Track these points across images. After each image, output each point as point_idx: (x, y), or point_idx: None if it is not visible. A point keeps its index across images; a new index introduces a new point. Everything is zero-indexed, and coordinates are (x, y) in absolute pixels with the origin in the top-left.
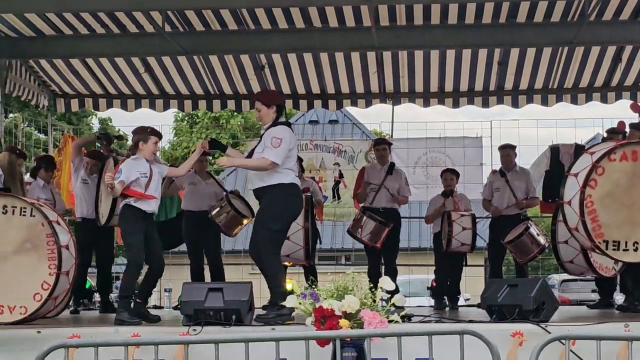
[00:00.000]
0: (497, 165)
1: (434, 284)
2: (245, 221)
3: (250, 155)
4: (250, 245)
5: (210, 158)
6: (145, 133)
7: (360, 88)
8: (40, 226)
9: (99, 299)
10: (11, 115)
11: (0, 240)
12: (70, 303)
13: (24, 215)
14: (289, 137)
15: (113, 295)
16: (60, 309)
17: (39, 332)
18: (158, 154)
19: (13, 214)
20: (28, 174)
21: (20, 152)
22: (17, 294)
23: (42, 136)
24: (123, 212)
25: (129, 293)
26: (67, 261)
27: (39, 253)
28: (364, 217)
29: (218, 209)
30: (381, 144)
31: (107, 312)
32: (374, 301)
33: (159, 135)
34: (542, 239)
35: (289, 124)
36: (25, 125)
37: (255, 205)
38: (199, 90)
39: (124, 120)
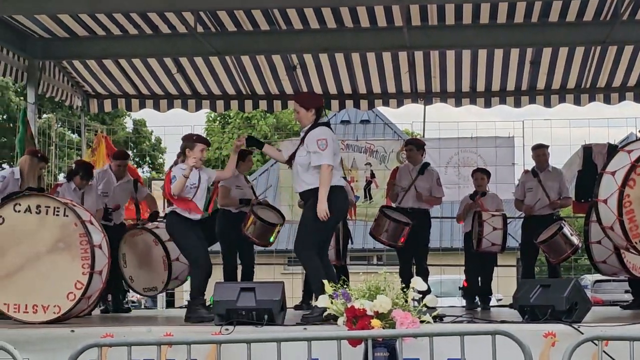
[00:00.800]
0: (529, 165)
1: (466, 284)
2: (277, 228)
3: (291, 159)
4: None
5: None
6: (192, 140)
7: (391, 88)
8: (73, 226)
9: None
10: (45, 115)
11: (34, 240)
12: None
13: (57, 215)
14: (331, 137)
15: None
16: (92, 308)
17: (72, 331)
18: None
19: (47, 213)
20: (62, 175)
21: (42, 155)
22: (51, 294)
23: (75, 137)
24: (171, 220)
25: (200, 294)
26: (100, 260)
27: (72, 253)
28: (382, 217)
29: (248, 223)
30: (408, 144)
31: (118, 311)
32: (406, 301)
33: (206, 143)
34: (575, 239)
35: (328, 124)
36: (59, 126)
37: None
38: (230, 90)
39: (156, 121)
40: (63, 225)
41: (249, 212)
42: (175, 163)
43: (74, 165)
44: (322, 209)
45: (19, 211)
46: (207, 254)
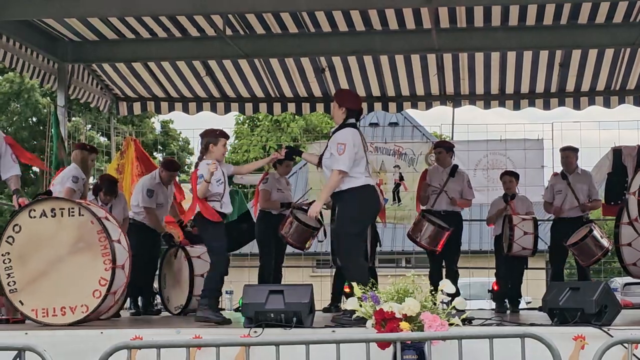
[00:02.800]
0: (559, 168)
1: (495, 288)
2: (314, 232)
3: (319, 162)
4: (332, 251)
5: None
6: (214, 135)
7: (420, 90)
8: (90, 224)
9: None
10: (74, 119)
11: (54, 243)
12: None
13: (72, 215)
14: (353, 140)
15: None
16: (120, 304)
17: (101, 332)
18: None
19: (62, 215)
20: (91, 190)
21: (92, 147)
22: (77, 294)
23: (104, 140)
24: (202, 220)
25: (212, 294)
26: (120, 255)
27: (92, 250)
28: (424, 221)
29: (288, 226)
30: (437, 147)
31: (147, 314)
32: (435, 304)
33: (227, 137)
34: (605, 242)
35: (354, 125)
36: (88, 128)
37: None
38: (259, 93)
39: (185, 123)
40: (80, 224)
41: (288, 214)
42: (200, 159)
43: (98, 181)
44: (315, 210)
45: (34, 217)
46: (227, 258)
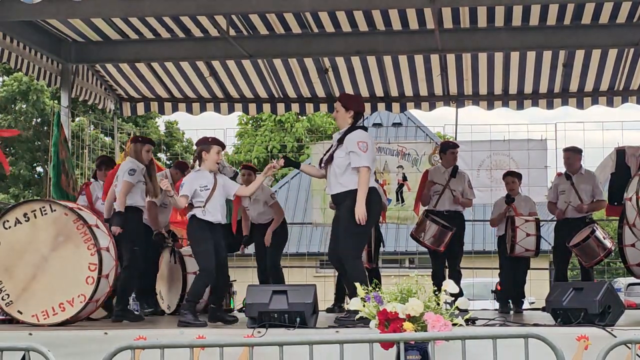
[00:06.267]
0: (562, 168)
1: (499, 288)
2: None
3: (330, 160)
4: (331, 249)
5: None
6: (207, 143)
7: (423, 91)
8: (64, 216)
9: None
10: (77, 119)
11: (34, 245)
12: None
13: (45, 214)
14: (371, 141)
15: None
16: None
17: (105, 333)
18: (223, 158)
19: (35, 217)
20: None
21: (144, 138)
22: (70, 286)
23: (108, 139)
24: (190, 223)
25: (196, 299)
26: (102, 238)
27: (73, 240)
28: (427, 221)
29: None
30: (454, 147)
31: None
32: (438, 304)
33: (221, 145)
34: (608, 242)
35: (366, 128)
36: (92, 129)
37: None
38: (263, 93)
39: (189, 124)
40: (55, 219)
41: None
42: (192, 167)
43: (96, 162)
44: (361, 212)
45: (9, 227)
46: (218, 264)
